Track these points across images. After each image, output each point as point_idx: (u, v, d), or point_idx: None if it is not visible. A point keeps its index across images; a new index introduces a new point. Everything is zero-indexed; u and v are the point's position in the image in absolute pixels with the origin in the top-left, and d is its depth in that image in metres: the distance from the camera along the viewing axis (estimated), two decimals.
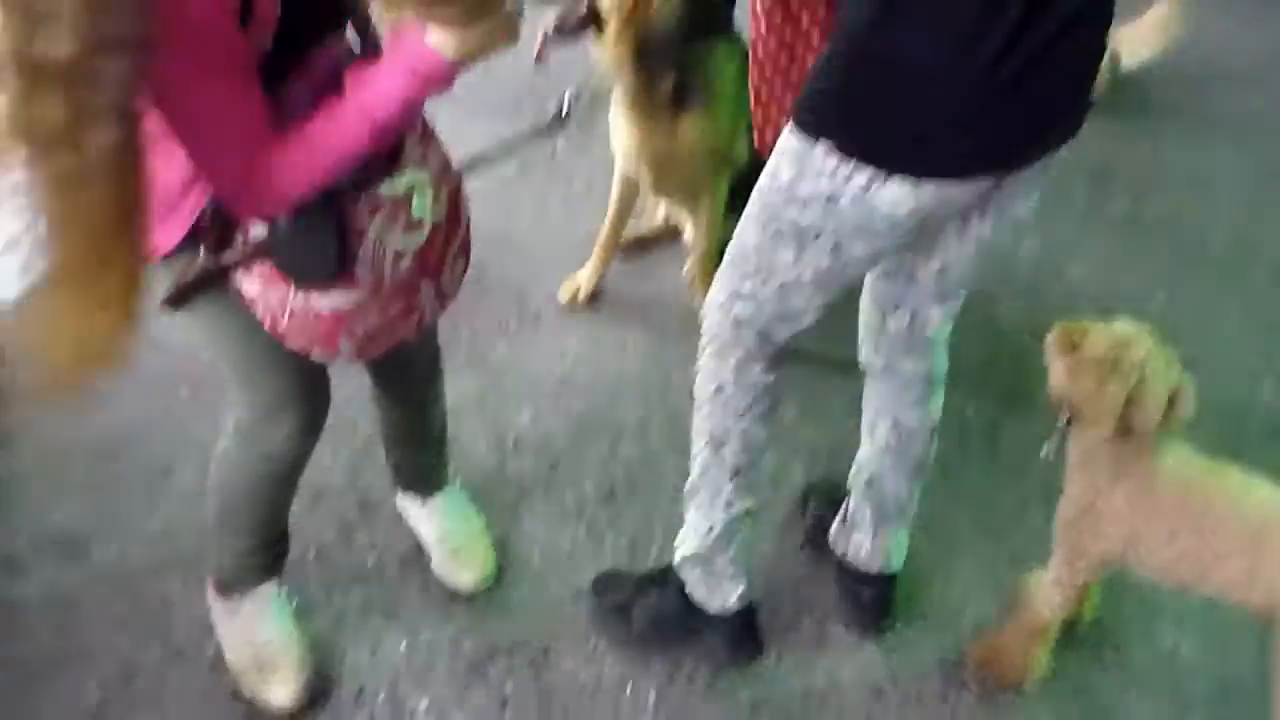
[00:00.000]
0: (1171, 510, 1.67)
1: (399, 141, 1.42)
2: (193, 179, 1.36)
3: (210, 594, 1.87)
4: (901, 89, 1.36)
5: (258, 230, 1.40)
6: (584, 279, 2.77)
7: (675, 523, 1.89)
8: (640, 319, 2.75)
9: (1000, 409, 2.53)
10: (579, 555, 2.12)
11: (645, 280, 2.88)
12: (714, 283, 1.69)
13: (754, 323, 1.64)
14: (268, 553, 1.82)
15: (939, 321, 1.77)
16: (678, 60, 2.34)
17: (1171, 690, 1.96)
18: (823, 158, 1.42)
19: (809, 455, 2.34)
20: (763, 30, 1.72)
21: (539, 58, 2.45)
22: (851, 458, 1.97)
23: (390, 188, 1.42)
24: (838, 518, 2.01)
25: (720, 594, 1.87)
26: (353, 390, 2.03)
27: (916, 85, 1.35)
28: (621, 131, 2.55)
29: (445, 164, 1.55)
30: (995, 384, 2.63)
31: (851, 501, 1.97)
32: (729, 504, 1.79)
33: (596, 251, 2.77)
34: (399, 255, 1.47)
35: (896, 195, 1.41)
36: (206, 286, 1.46)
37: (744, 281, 1.61)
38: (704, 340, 1.72)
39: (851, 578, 1.99)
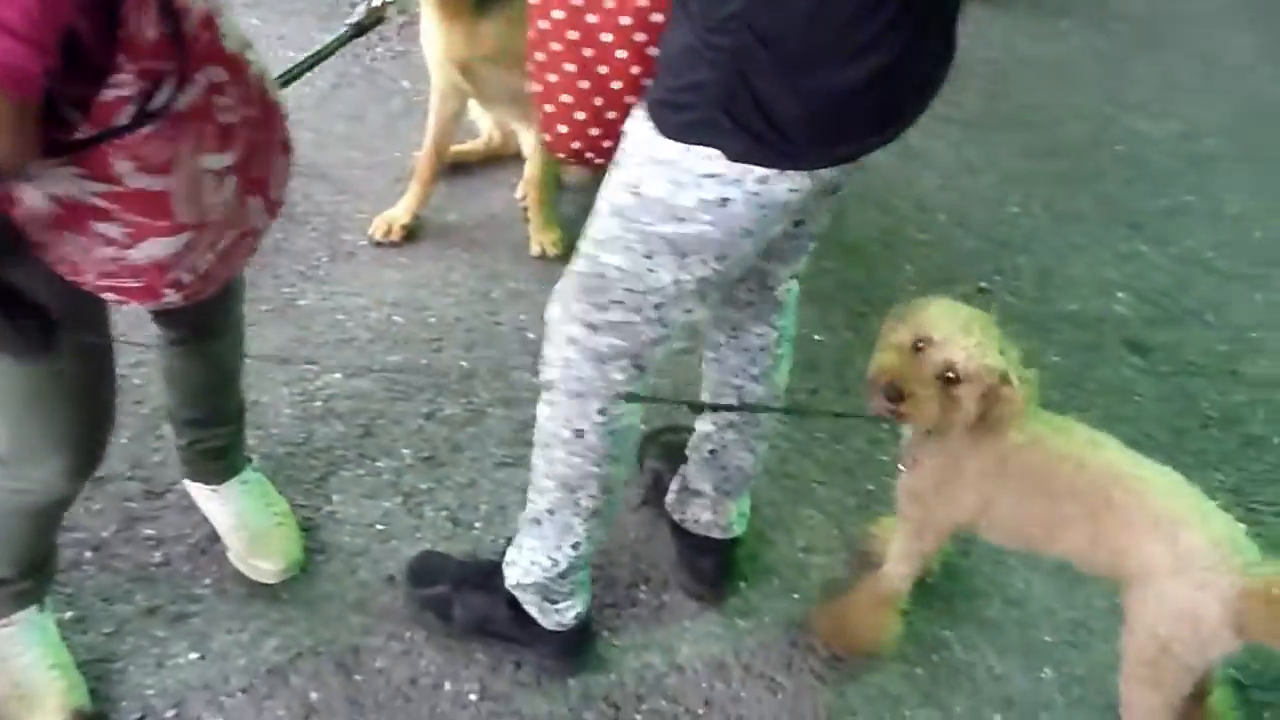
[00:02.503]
0: (1022, 474, 1.57)
1: (176, 44, 1.12)
2: None
3: None
4: (795, 79, 1.14)
5: None
6: (398, 215, 2.49)
7: (502, 489, 1.69)
8: (466, 251, 2.52)
9: (850, 333, 2.40)
10: (395, 533, 1.91)
11: (471, 205, 2.63)
12: (558, 312, 1.43)
13: (624, 354, 1.40)
14: (24, 581, 1.58)
15: (788, 281, 1.61)
16: None
17: (1023, 642, 1.88)
18: (703, 162, 1.19)
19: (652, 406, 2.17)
20: None
21: None
22: (694, 393, 1.78)
23: (184, 100, 1.14)
24: (675, 482, 1.84)
25: (556, 615, 1.67)
26: (135, 355, 1.77)
27: (808, 72, 1.14)
28: (431, 37, 2.28)
29: (239, 50, 1.25)
30: (843, 307, 2.50)
31: (691, 469, 1.80)
32: (577, 544, 1.58)
33: (413, 184, 2.50)
34: (219, 176, 1.22)
35: (795, 182, 1.21)
36: None
37: (606, 311, 1.36)
38: (550, 375, 1.46)
39: (690, 544, 1.84)
